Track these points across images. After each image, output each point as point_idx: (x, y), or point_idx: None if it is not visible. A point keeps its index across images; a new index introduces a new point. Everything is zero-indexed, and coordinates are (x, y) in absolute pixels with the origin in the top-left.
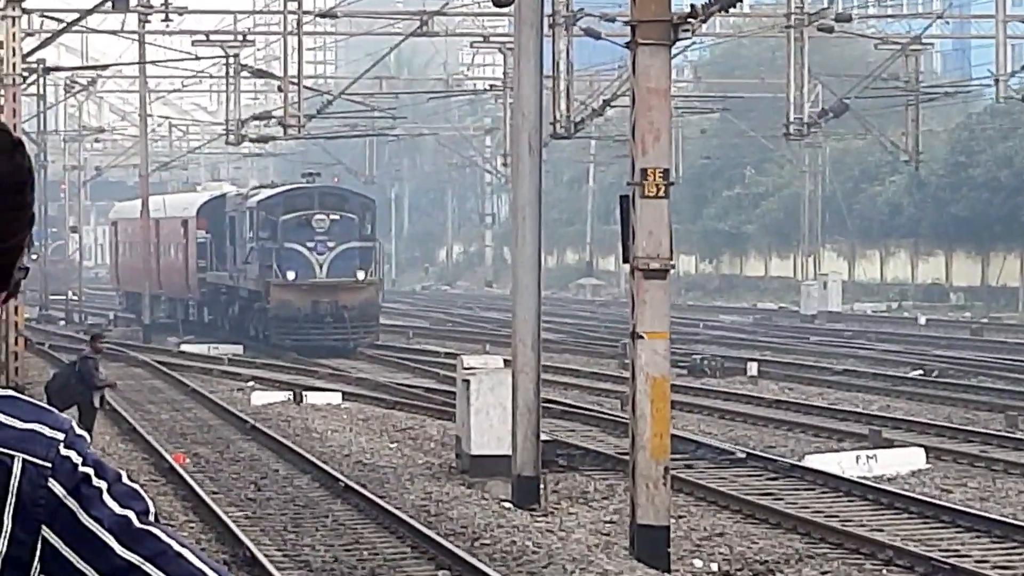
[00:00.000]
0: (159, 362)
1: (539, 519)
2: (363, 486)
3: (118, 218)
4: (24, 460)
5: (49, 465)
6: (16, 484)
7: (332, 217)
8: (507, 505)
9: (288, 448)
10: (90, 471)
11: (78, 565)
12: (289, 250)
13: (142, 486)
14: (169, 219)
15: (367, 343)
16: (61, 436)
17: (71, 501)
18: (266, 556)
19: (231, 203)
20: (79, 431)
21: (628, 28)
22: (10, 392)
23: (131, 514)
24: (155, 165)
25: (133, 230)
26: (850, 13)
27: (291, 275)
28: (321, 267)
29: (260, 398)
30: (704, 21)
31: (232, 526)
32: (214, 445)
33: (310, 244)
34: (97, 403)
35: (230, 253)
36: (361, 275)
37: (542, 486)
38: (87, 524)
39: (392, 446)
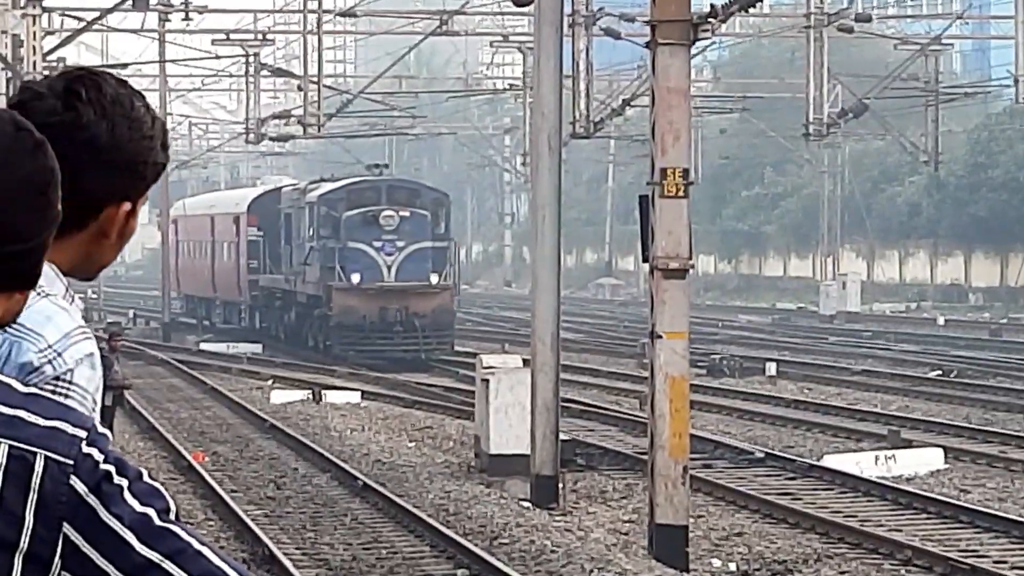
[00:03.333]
0: (178, 360)
1: (558, 518)
2: (382, 485)
3: (178, 215)
4: (47, 457)
5: (71, 462)
6: (38, 481)
7: (402, 214)
8: (526, 504)
9: (307, 447)
10: (111, 469)
11: (98, 562)
12: (354, 250)
13: (162, 484)
14: (222, 216)
15: (440, 355)
16: (83, 434)
17: (92, 498)
18: (285, 554)
19: (287, 198)
20: (101, 429)
21: (648, 28)
22: (33, 390)
23: (151, 512)
24: (175, 164)
25: (191, 228)
26: (870, 13)
27: (356, 278)
28: (389, 269)
29: (279, 397)
30: (724, 21)
31: (251, 524)
32: (233, 444)
33: (377, 244)
34: (108, 402)
35: (285, 253)
36: (434, 279)
37: (561, 485)
38: (108, 521)
39: (411, 445)
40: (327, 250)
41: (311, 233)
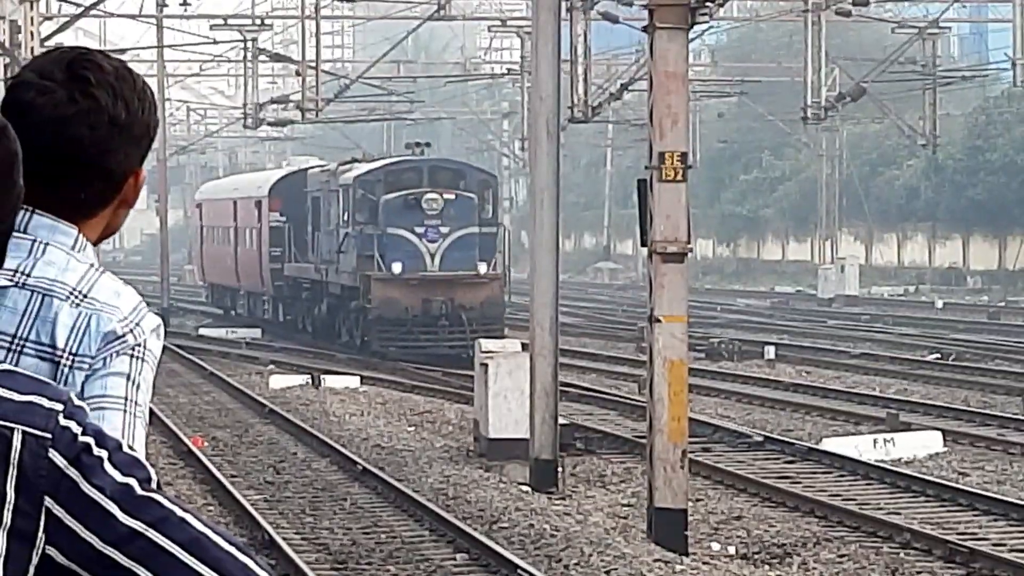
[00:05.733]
0: (177, 346)
1: (557, 502)
2: (381, 469)
3: (202, 199)
4: (24, 432)
5: (49, 436)
6: (17, 456)
7: (446, 196)
8: (525, 488)
9: (306, 431)
10: (90, 440)
11: (82, 534)
12: (394, 237)
13: (159, 469)
14: (244, 200)
15: None
16: (60, 407)
17: (72, 471)
18: (284, 539)
19: (314, 180)
20: (78, 402)
21: (646, 12)
22: (7, 366)
23: (133, 482)
24: (173, 149)
25: (215, 213)
26: None
27: (397, 268)
28: (433, 258)
29: (278, 382)
30: (722, 5)
31: (250, 509)
32: (232, 429)
33: (419, 230)
34: None
35: (313, 240)
36: (482, 267)
37: (560, 469)
38: (89, 493)
39: (410, 430)
40: (364, 237)
41: (345, 218)
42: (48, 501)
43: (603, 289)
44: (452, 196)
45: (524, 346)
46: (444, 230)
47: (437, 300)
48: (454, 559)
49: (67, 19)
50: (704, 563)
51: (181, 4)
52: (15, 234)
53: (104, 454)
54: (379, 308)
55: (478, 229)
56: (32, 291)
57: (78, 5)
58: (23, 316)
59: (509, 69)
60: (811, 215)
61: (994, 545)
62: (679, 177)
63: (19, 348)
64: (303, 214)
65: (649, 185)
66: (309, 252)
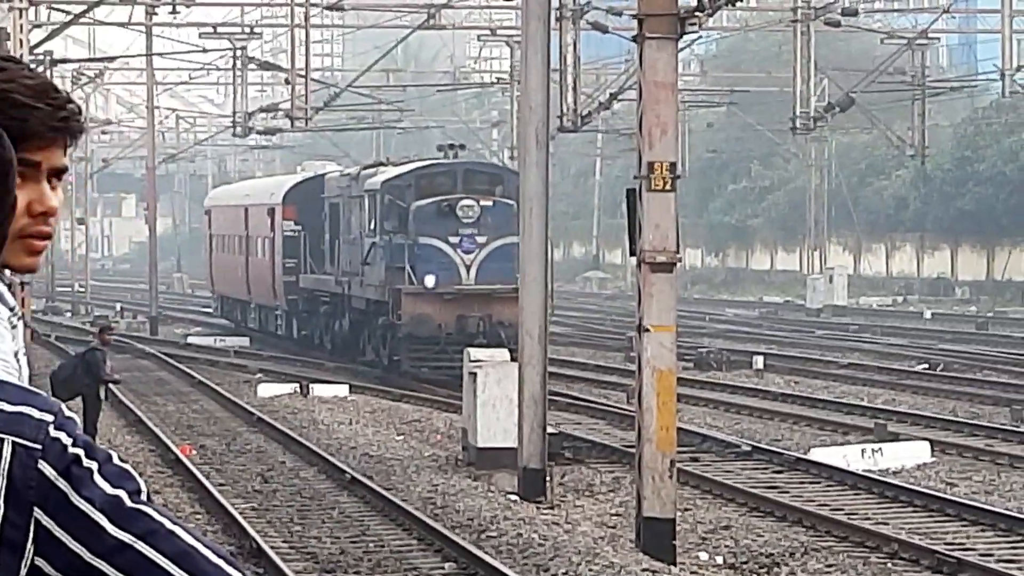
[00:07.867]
0: (166, 354)
1: (545, 511)
2: (370, 478)
3: (212, 206)
4: (14, 443)
5: (39, 447)
6: (7, 467)
7: (483, 203)
8: (513, 497)
9: (295, 440)
10: (80, 452)
11: (71, 546)
12: (426, 247)
13: (147, 478)
14: (256, 207)
15: None
16: (50, 418)
17: (62, 482)
18: (272, 548)
19: (332, 186)
20: (68, 413)
21: (635, 22)
22: None
23: (123, 494)
24: (162, 157)
25: (224, 221)
26: (856, 7)
27: (429, 280)
28: (468, 270)
29: (267, 390)
30: (711, 15)
31: (239, 518)
32: (221, 437)
33: (453, 239)
34: (103, 395)
35: (332, 250)
36: None
37: (548, 478)
38: (79, 505)
39: (399, 438)
40: (394, 247)
41: (371, 227)
42: (37, 512)
43: (592, 298)
44: (489, 203)
45: (513, 355)
46: (481, 240)
47: (473, 316)
48: (442, 568)
49: (57, 26)
50: (692, 572)
51: (171, 12)
52: None
53: (94, 466)
54: (410, 325)
55: (517, 238)
56: None
57: (68, 13)
58: None
59: (499, 78)
60: (800, 225)
61: (982, 555)
62: (668, 187)
63: None
64: (320, 222)
65: (638, 195)
66: (327, 263)
